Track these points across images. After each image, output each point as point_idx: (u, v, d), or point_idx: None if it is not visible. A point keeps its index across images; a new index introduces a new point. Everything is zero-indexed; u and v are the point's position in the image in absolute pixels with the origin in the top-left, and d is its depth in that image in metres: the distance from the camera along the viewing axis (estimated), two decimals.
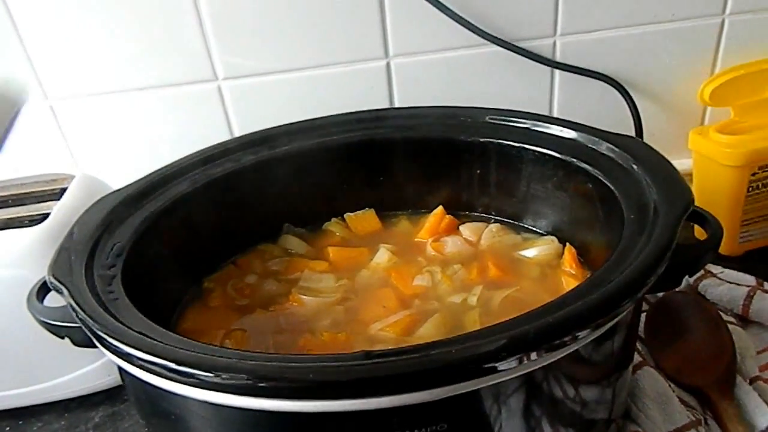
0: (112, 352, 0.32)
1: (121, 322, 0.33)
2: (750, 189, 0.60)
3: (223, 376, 0.28)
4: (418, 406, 0.28)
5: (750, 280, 0.54)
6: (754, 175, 0.59)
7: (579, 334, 0.29)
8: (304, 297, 0.45)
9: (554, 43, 0.64)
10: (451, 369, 0.28)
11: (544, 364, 0.30)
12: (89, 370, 0.53)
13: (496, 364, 0.28)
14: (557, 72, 0.65)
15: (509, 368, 0.29)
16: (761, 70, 0.61)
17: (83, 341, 0.36)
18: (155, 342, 0.31)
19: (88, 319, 0.33)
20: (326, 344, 0.41)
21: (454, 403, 0.29)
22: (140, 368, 0.30)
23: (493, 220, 0.52)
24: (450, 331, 0.41)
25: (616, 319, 0.31)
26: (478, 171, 0.51)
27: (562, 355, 0.30)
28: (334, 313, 0.44)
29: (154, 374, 0.30)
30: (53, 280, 0.36)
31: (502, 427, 0.32)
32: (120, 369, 0.33)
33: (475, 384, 0.29)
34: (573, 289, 0.32)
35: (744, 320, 0.53)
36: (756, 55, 0.63)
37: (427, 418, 0.30)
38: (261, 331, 0.43)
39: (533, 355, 0.29)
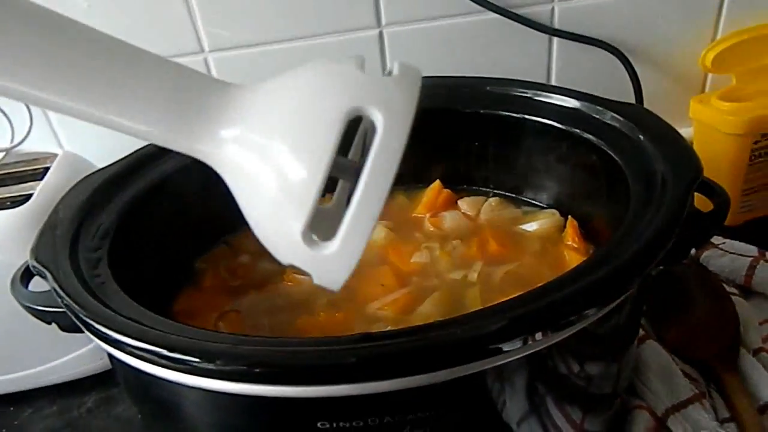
0: (101, 339, 0.30)
1: (109, 307, 0.31)
2: (752, 157, 0.59)
3: (218, 362, 0.27)
4: (420, 389, 0.27)
5: (752, 250, 0.53)
6: (756, 143, 0.58)
7: (587, 312, 0.28)
8: (300, 276, 0.44)
9: (552, 9, 0.62)
10: (456, 350, 0.27)
11: (552, 342, 0.29)
12: (81, 354, 0.52)
13: (502, 345, 0.27)
14: (555, 39, 0.63)
15: (515, 348, 0.27)
16: (765, 34, 0.60)
17: (71, 326, 0.34)
18: (145, 327, 0.29)
19: (73, 304, 0.31)
20: (324, 324, 0.39)
21: (457, 385, 0.28)
22: (130, 355, 0.29)
23: (492, 194, 0.51)
24: (450, 308, 0.40)
25: (625, 295, 0.30)
26: (477, 143, 0.50)
27: (569, 334, 0.29)
28: (331, 293, 0.42)
29: (144, 361, 0.28)
30: (36, 263, 0.35)
31: (505, 406, 0.32)
32: (109, 355, 0.32)
33: (480, 365, 0.28)
34: (580, 265, 0.31)
35: (746, 291, 0.52)
36: (759, 19, 0.61)
37: (429, 401, 0.29)
38: (256, 313, 0.42)
39: (539, 335, 0.28)
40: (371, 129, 0.19)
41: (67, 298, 0.32)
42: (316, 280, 0.23)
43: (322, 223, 0.20)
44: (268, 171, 0.18)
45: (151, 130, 0.21)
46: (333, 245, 0.20)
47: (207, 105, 0.20)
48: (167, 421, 0.34)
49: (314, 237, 0.20)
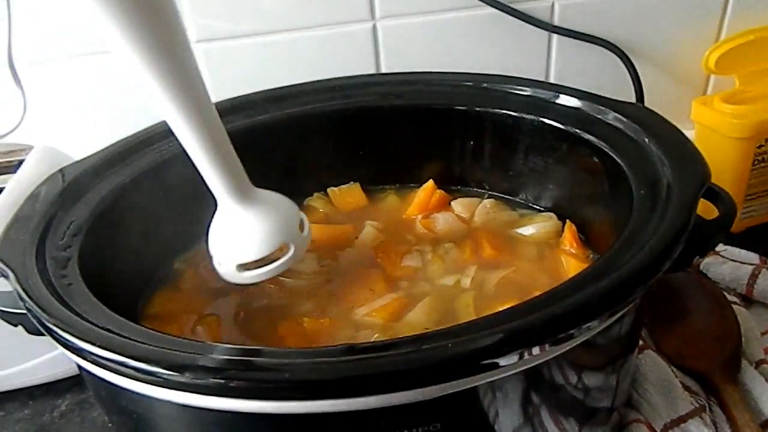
0: (62, 345, 0.28)
1: (74, 311, 0.29)
2: (755, 162, 0.57)
3: (187, 375, 0.25)
4: (409, 405, 0.25)
5: (754, 258, 0.52)
6: (760, 147, 0.56)
7: (588, 325, 0.26)
8: (284, 279, 0.41)
9: (552, 6, 0.60)
10: (446, 366, 0.25)
11: (549, 357, 0.27)
12: (55, 356, 0.50)
13: (498, 360, 0.25)
14: (555, 36, 0.61)
15: (510, 363, 0.25)
16: None
17: (36, 329, 0.32)
18: (111, 334, 0.27)
19: (35, 307, 0.29)
20: (307, 331, 0.37)
21: (449, 402, 0.26)
22: (93, 363, 0.27)
23: (487, 195, 0.49)
24: (441, 316, 0.38)
25: (628, 307, 0.28)
26: (472, 142, 0.48)
27: (568, 348, 0.27)
28: (316, 297, 0.40)
29: (108, 370, 0.26)
30: None
31: (498, 420, 0.30)
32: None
33: (474, 381, 0.26)
34: (580, 274, 0.29)
35: (748, 300, 0.50)
36: (764, 20, 0.60)
37: (419, 417, 0.27)
38: (236, 317, 0.40)
39: (537, 350, 0.26)
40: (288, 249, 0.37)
41: (29, 301, 0.30)
42: (218, 269, 0.37)
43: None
44: (246, 234, 0.36)
45: (220, 183, 0.35)
46: (248, 274, 0.36)
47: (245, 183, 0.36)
48: None
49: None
